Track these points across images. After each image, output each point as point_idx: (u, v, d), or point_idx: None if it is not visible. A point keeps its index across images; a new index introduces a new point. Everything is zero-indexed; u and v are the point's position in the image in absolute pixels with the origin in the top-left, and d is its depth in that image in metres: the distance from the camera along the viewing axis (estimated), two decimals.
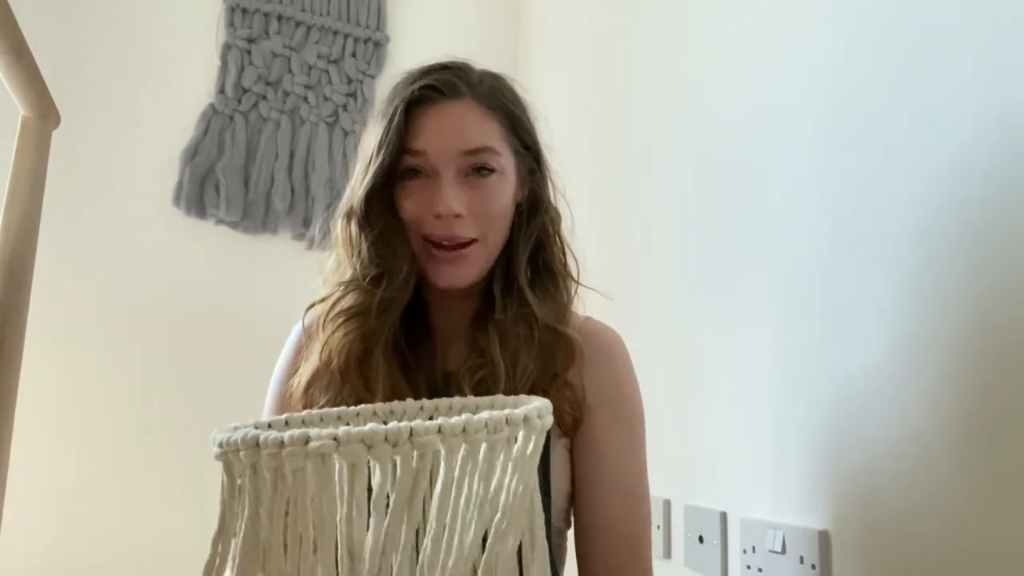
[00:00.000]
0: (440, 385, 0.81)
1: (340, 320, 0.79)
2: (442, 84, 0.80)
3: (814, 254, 0.95)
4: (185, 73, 1.82)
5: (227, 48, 1.86)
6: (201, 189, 1.78)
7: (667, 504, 1.19)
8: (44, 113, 0.94)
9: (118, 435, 1.63)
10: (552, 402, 0.78)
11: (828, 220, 0.93)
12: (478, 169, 0.79)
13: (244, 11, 1.88)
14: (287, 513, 0.47)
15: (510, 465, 0.50)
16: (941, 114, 0.79)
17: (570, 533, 0.87)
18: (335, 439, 0.45)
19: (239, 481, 0.48)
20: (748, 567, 0.98)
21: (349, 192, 0.83)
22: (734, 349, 1.08)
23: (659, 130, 1.36)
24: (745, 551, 0.99)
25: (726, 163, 1.15)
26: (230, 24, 1.87)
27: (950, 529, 0.73)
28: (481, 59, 0.87)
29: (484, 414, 0.49)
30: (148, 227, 1.74)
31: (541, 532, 0.52)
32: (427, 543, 0.47)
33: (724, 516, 1.06)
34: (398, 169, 0.79)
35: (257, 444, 0.46)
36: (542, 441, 0.52)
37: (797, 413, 0.95)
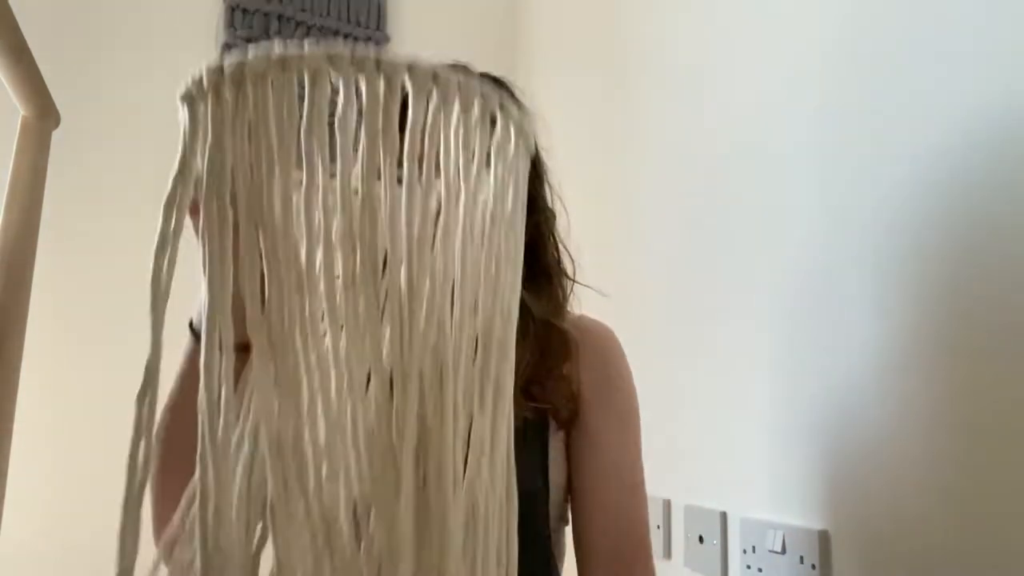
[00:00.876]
0: None
1: None
2: None
3: (814, 252, 0.95)
4: (185, 73, 1.82)
5: (227, 48, 1.86)
6: None
7: (667, 504, 1.18)
8: (44, 113, 0.94)
9: (118, 435, 1.63)
10: (548, 396, 0.79)
11: (827, 218, 0.93)
12: None
13: (244, 11, 1.88)
14: (250, 140, 0.45)
15: (493, 153, 0.48)
16: (938, 109, 0.79)
17: (567, 530, 0.87)
18: (300, 51, 0.44)
19: (201, 111, 0.47)
20: (748, 567, 0.98)
21: None
22: (734, 348, 1.08)
23: (656, 130, 1.36)
24: (745, 551, 0.99)
25: (723, 163, 1.15)
26: (230, 24, 1.87)
27: (950, 529, 0.73)
28: (480, 59, 0.87)
29: (458, 73, 0.47)
30: (148, 227, 1.74)
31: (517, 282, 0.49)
32: (403, 193, 0.44)
33: (724, 516, 1.06)
34: None
35: (221, 67, 0.46)
36: (525, 153, 0.51)
37: (797, 413, 0.95)
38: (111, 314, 1.66)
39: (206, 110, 0.47)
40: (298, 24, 1.93)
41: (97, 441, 1.61)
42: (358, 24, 1.98)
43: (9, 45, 0.80)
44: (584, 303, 0.91)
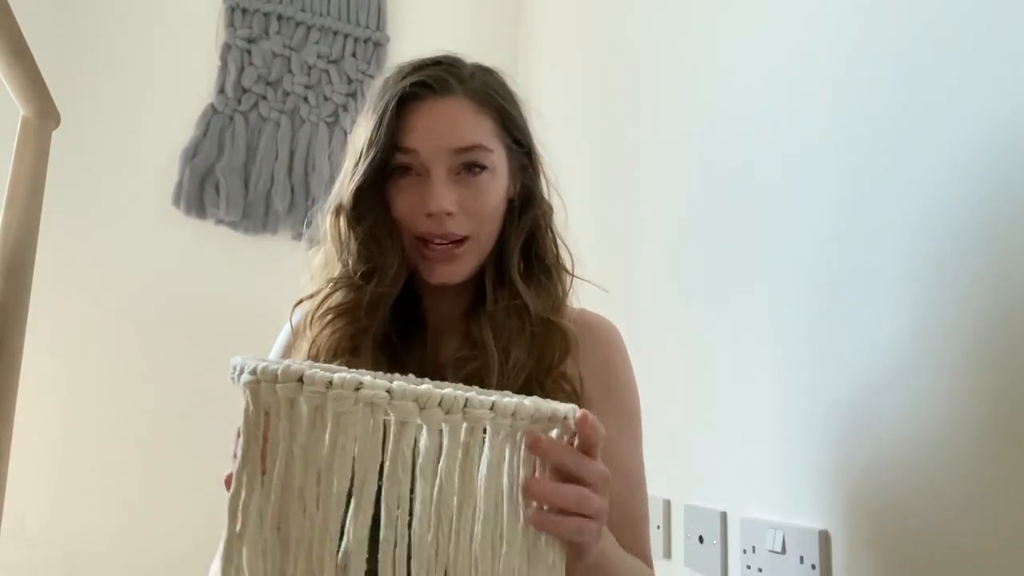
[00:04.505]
0: (431, 376, 0.81)
1: (328, 317, 0.79)
2: (433, 80, 0.79)
3: (818, 252, 0.95)
4: (185, 73, 1.82)
5: (227, 48, 1.86)
6: (201, 189, 1.78)
7: (667, 504, 1.18)
8: (44, 113, 0.94)
9: (118, 435, 1.63)
10: (548, 396, 0.78)
11: (833, 218, 0.93)
12: (469, 167, 0.79)
13: (244, 11, 1.88)
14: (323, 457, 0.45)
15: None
16: (946, 113, 0.79)
17: None
18: (388, 391, 0.44)
19: (265, 413, 0.46)
20: (748, 567, 0.98)
21: (338, 187, 0.83)
22: (735, 349, 1.08)
23: (659, 128, 1.36)
24: (745, 551, 0.99)
25: (729, 159, 1.15)
26: (230, 24, 1.87)
27: (951, 529, 0.73)
28: (481, 58, 0.86)
29: (530, 400, 0.48)
30: (148, 227, 1.74)
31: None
32: (477, 527, 0.46)
33: (724, 516, 1.06)
34: (389, 166, 0.79)
35: (300, 379, 0.44)
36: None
37: (798, 413, 0.95)
38: (111, 314, 1.66)
39: (277, 414, 0.46)
40: (298, 24, 1.93)
41: (97, 440, 1.62)
42: (358, 24, 1.98)
43: (9, 45, 0.80)
44: (584, 298, 0.90)
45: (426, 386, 0.45)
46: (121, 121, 1.74)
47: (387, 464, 0.44)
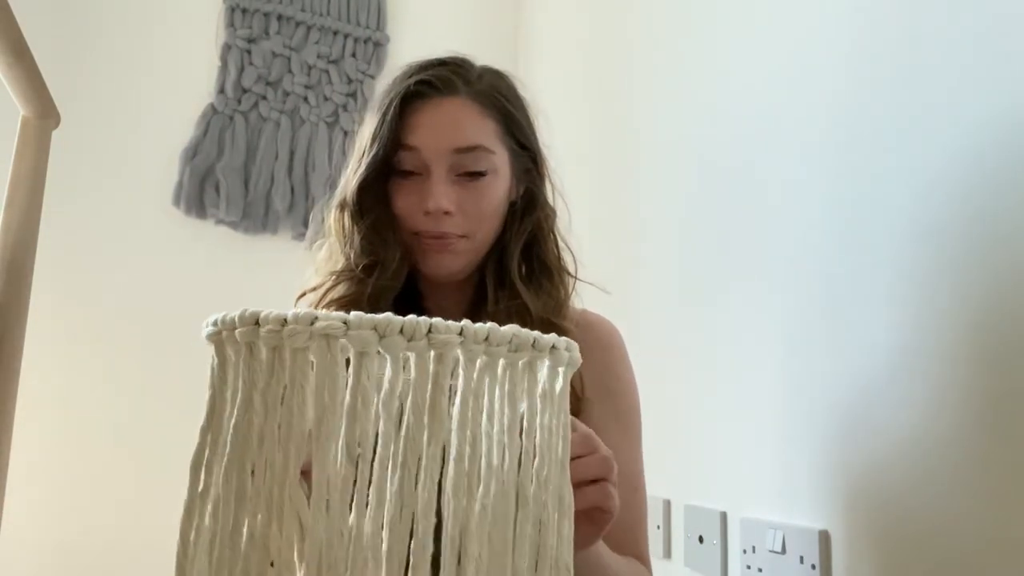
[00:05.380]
0: None
1: (331, 309, 0.80)
2: (438, 80, 0.80)
3: (818, 252, 0.95)
4: (185, 73, 1.82)
5: (227, 48, 1.86)
6: (201, 189, 1.78)
7: (667, 504, 1.18)
8: (44, 113, 0.94)
9: (117, 435, 1.63)
10: None
11: (833, 218, 0.93)
12: (471, 173, 0.80)
13: (244, 11, 1.88)
14: (283, 401, 0.43)
15: (539, 400, 0.47)
16: (945, 113, 0.79)
17: None
18: (344, 322, 0.42)
19: (232, 363, 0.45)
20: (748, 567, 0.98)
21: (343, 183, 0.84)
22: (735, 349, 1.08)
23: (659, 128, 1.36)
24: (745, 551, 0.99)
25: (729, 159, 1.15)
26: (230, 24, 1.87)
27: (951, 529, 0.73)
28: (481, 59, 0.87)
29: (509, 328, 0.45)
30: (148, 227, 1.74)
31: (569, 492, 0.48)
32: (450, 467, 0.43)
33: (724, 516, 1.06)
34: (391, 163, 0.80)
35: (256, 322, 0.43)
36: (568, 381, 0.49)
37: (798, 413, 0.95)
38: (111, 314, 1.66)
39: (237, 363, 0.44)
40: (298, 24, 1.93)
41: (96, 440, 1.62)
42: (358, 24, 1.98)
43: (9, 45, 0.80)
44: (587, 301, 0.90)
45: (387, 314, 0.43)
46: (121, 121, 1.74)
47: (347, 399, 0.42)
